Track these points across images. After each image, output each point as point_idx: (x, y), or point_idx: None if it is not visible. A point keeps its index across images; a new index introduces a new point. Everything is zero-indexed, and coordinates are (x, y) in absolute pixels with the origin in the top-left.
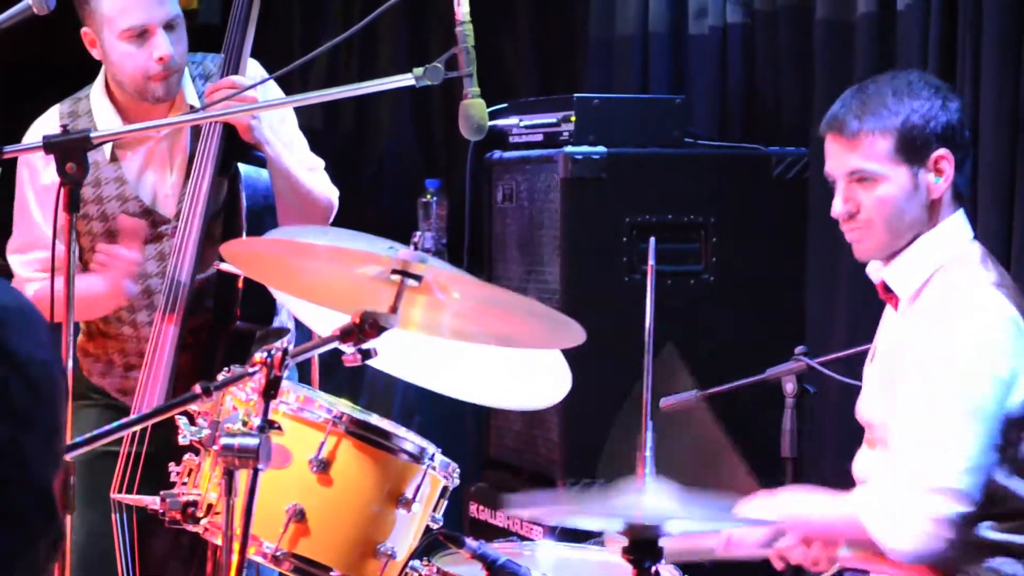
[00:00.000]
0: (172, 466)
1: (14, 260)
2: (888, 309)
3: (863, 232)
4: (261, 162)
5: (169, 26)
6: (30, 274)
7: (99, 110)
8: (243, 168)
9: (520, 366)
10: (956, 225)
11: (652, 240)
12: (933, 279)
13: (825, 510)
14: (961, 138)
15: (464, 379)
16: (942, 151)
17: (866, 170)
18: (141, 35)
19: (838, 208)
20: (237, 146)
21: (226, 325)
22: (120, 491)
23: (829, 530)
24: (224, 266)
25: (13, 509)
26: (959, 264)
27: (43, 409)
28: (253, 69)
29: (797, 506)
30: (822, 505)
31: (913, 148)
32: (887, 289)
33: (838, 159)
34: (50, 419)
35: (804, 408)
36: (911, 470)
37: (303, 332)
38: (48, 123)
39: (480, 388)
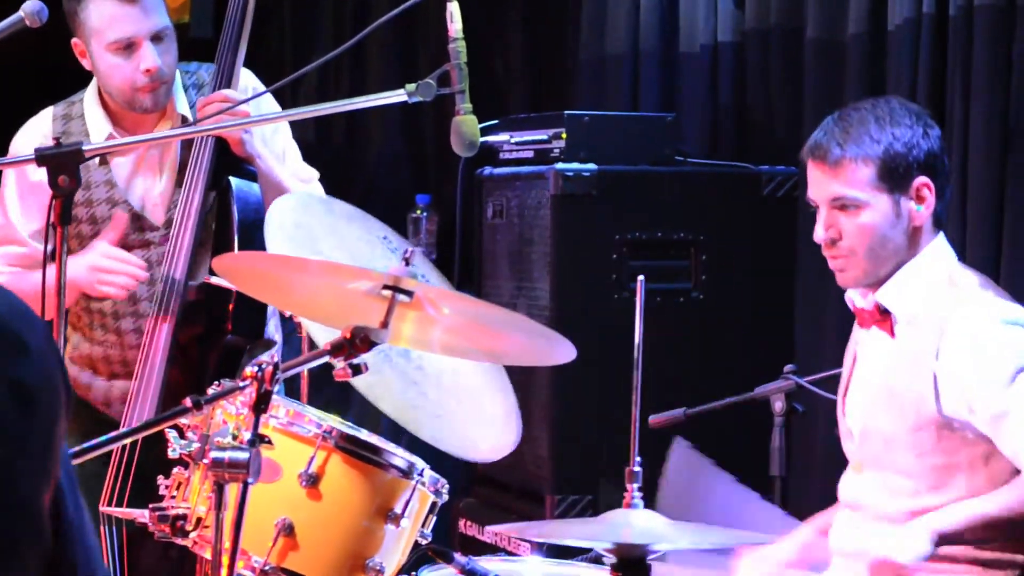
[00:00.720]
0: (161, 479)
1: None
2: (864, 336)
3: (846, 260)
4: (253, 176)
5: (157, 38)
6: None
7: (91, 115)
8: (235, 182)
9: (471, 412)
10: (940, 247)
11: (641, 279)
12: (932, 298)
13: (1001, 497)
14: (941, 165)
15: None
16: (923, 179)
17: (848, 197)
18: (128, 47)
19: (819, 234)
20: (229, 159)
21: (217, 338)
22: (109, 504)
23: (1006, 515)
24: (215, 280)
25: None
26: (953, 284)
27: (38, 428)
28: (248, 80)
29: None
30: (993, 497)
31: (895, 176)
32: (881, 313)
33: (820, 186)
34: (45, 436)
35: (792, 427)
36: None
37: (290, 346)
38: (41, 124)
39: (433, 427)
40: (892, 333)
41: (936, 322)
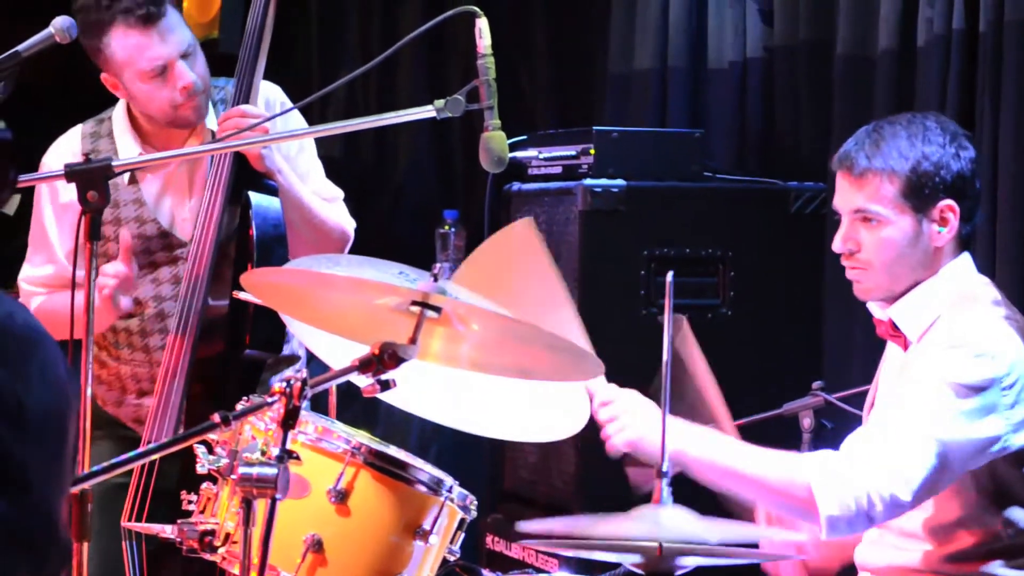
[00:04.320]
0: (185, 494)
1: (23, 270)
2: (890, 350)
3: (862, 273)
4: (273, 191)
5: (185, 55)
6: (33, 288)
7: (120, 133)
8: (254, 197)
9: (536, 398)
10: (959, 267)
11: (670, 276)
12: (942, 317)
13: (764, 459)
14: (972, 189)
15: (480, 413)
16: (949, 202)
17: (870, 211)
18: (162, 72)
19: (837, 245)
20: (248, 174)
21: (236, 352)
22: (131, 519)
23: (755, 478)
24: (243, 295)
25: (20, 530)
26: (968, 300)
27: (51, 430)
28: (276, 95)
29: (727, 450)
30: (758, 454)
31: (920, 195)
32: (895, 328)
33: (845, 196)
34: (57, 441)
35: (821, 443)
36: (875, 449)
37: (318, 364)
38: (70, 142)
39: (496, 422)
40: (905, 348)
41: (938, 338)
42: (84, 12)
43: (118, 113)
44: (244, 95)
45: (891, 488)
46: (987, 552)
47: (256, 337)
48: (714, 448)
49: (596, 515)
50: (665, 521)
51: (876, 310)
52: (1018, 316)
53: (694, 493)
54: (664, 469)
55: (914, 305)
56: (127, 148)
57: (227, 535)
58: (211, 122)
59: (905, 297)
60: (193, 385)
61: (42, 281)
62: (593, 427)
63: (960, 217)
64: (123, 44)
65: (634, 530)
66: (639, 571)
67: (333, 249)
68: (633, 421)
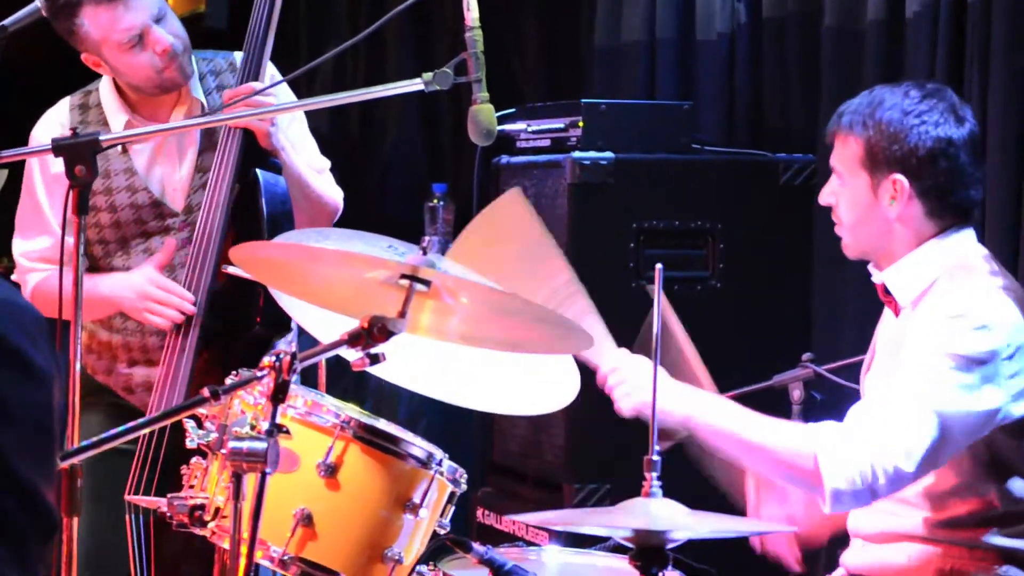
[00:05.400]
0: (184, 469)
1: (17, 244)
2: (887, 313)
3: (839, 228)
4: (278, 168)
5: (157, 19)
6: (31, 263)
7: (108, 103)
8: (262, 174)
9: (527, 369)
10: (961, 238)
11: (659, 267)
12: (937, 284)
13: (771, 429)
14: (928, 168)
15: (469, 386)
16: (897, 176)
17: (837, 168)
18: (139, 41)
19: (821, 197)
20: (255, 152)
21: (245, 330)
22: (134, 492)
23: (760, 447)
24: (232, 269)
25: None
26: (965, 270)
27: (28, 403)
28: (268, 71)
29: (734, 416)
30: (765, 422)
31: (875, 163)
32: (887, 292)
33: (832, 151)
34: (38, 417)
35: (811, 415)
36: (878, 423)
37: (308, 338)
38: (59, 114)
39: (486, 395)
40: (896, 313)
41: (933, 306)
42: None
43: (104, 84)
44: (253, 73)
45: (894, 461)
46: (981, 520)
47: (266, 316)
48: (721, 414)
49: (586, 509)
50: (655, 513)
51: (874, 272)
52: (1016, 286)
53: (685, 486)
54: (654, 458)
55: (904, 270)
56: (115, 117)
57: (216, 509)
58: (197, 92)
59: (897, 263)
60: (199, 360)
61: (40, 255)
62: (583, 400)
63: (916, 193)
64: (95, 22)
65: (624, 522)
66: (629, 544)
67: (326, 220)
68: (640, 386)
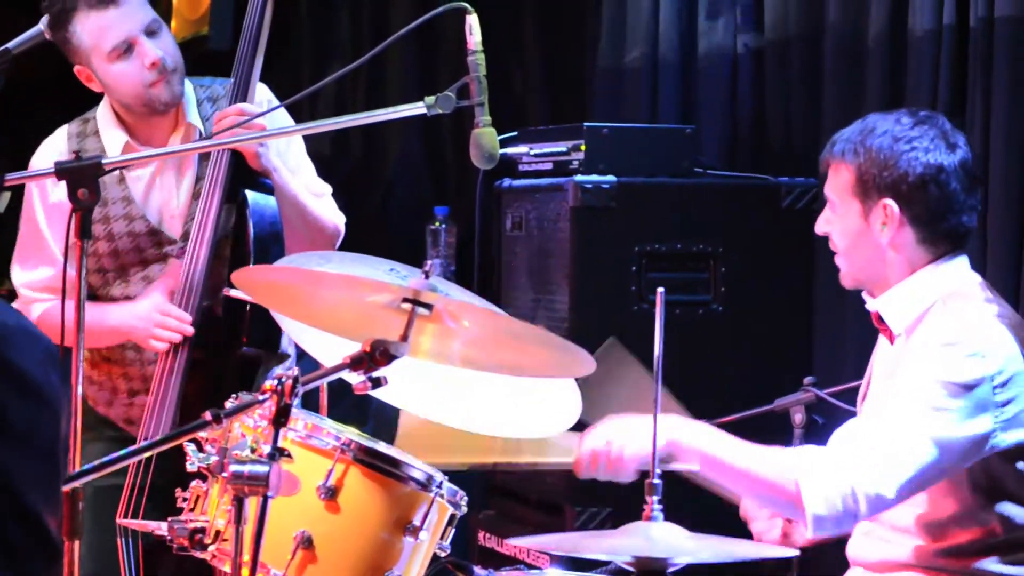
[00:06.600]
0: (179, 492)
1: (18, 275)
2: (882, 340)
3: (836, 257)
4: (269, 189)
5: (150, 32)
6: (34, 294)
7: (106, 129)
8: (250, 195)
9: (527, 395)
10: (955, 266)
11: (661, 290)
12: (931, 311)
13: (754, 454)
14: (919, 194)
15: (471, 410)
16: (888, 201)
17: (830, 197)
18: (127, 50)
19: (817, 226)
20: (245, 173)
21: (233, 350)
22: (126, 516)
23: (744, 472)
24: (234, 292)
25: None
26: (960, 297)
27: (39, 432)
28: (262, 94)
29: (718, 442)
30: (748, 448)
31: (865, 190)
32: (881, 320)
33: (826, 180)
34: (46, 443)
35: (813, 439)
36: (864, 447)
37: (309, 361)
38: (57, 142)
39: (487, 418)
40: (891, 340)
41: (928, 335)
42: (50, 4)
43: (102, 111)
44: (242, 94)
45: (876, 487)
46: (981, 548)
47: (253, 335)
48: (706, 440)
49: (587, 532)
50: (656, 537)
51: (868, 299)
52: (1010, 313)
53: (686, 508)
54: (655, 482)
55: (898, 298)
56: (113, 144)
57: (217, 532)
58: (193, 117)
59: (890, 291)
60: (189, 383)
61: (43, 285)
62: (585, 423)
63: (907, 219)
64: (86, 28)
65: (625, 546)
66: (630, 569)
67: (325, 244)
68: (626, 436)
